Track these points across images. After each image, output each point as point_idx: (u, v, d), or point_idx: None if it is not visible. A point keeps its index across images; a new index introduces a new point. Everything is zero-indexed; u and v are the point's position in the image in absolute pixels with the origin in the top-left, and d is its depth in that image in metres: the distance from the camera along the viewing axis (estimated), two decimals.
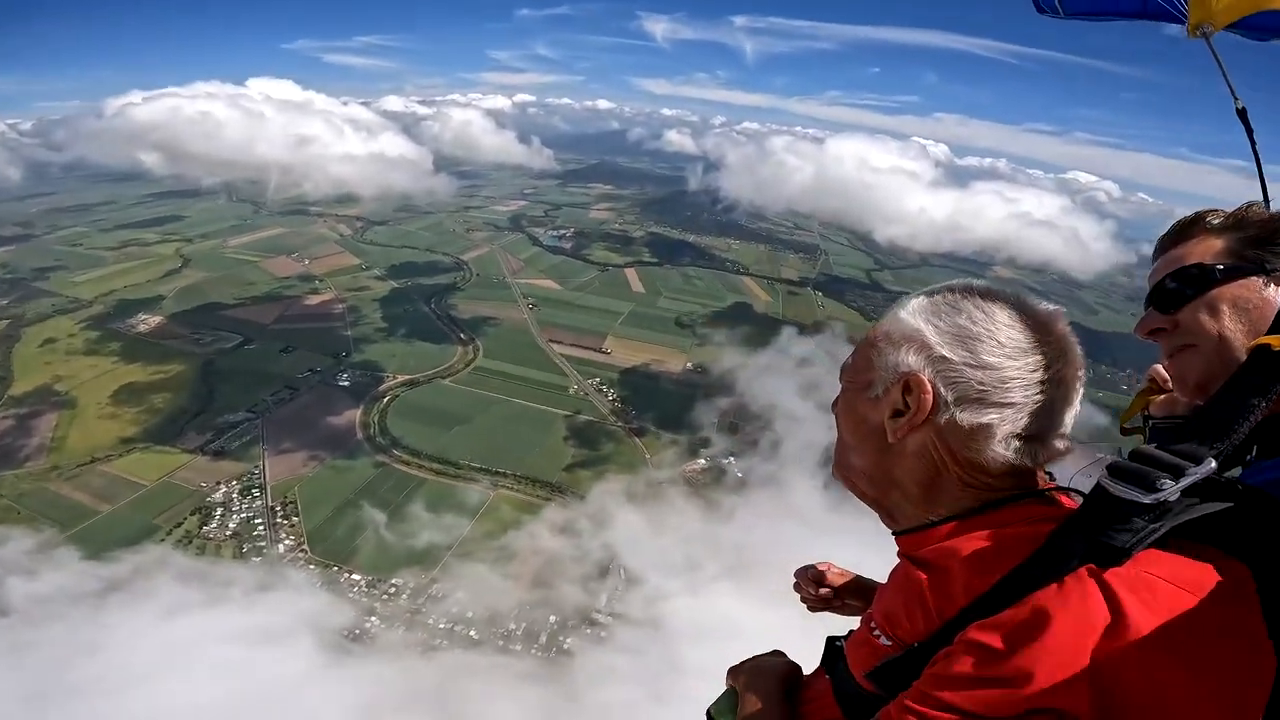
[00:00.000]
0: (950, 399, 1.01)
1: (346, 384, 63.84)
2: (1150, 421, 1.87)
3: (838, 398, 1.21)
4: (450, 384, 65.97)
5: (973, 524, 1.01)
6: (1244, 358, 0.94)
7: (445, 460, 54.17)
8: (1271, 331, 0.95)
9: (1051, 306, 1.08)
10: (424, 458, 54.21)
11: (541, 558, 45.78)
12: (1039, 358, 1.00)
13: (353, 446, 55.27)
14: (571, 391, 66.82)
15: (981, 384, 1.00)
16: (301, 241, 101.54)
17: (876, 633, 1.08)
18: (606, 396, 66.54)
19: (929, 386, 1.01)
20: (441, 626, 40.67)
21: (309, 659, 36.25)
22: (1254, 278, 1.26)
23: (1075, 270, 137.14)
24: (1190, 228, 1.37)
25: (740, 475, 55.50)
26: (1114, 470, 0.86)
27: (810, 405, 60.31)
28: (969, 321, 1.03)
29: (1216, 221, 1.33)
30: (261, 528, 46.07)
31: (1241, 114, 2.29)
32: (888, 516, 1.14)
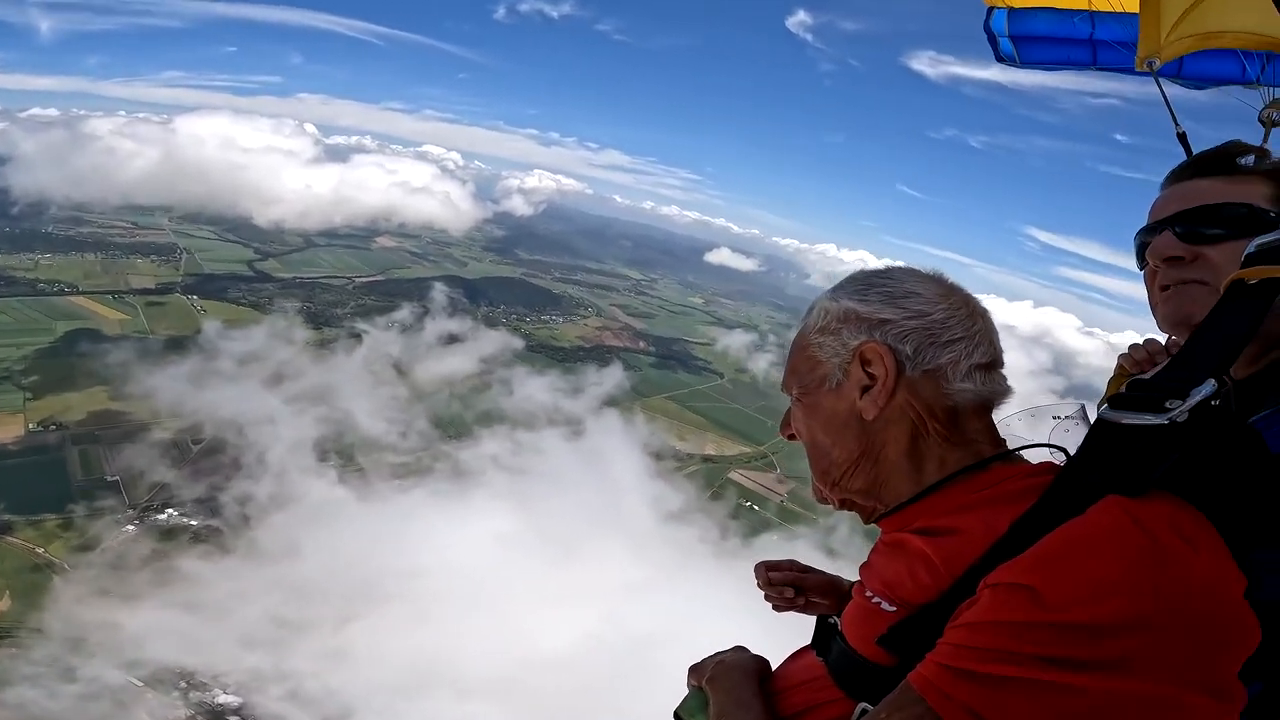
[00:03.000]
0: (909, 352, 1.04)
1: None
2: None
3: (789, 417, 1.20)
4: None
5: (965, 485, 1.00)
6: None
7: None
8: (1244, 266, 0.97)
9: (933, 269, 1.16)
10: None
11: None
12: (956, 298, 1.09)
13: None
14: None
15: (928, 330, 1.05)
16: None
17: (876, 600, 0.98)
18: None
19: (886, 349, 1.04)
20: None
21: None
22: None
23: (452, 228, 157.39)
24: (1223, 163, 1.28)
25: (238, 509, 44.80)
26: (1116, 401, 0.84)
27: (279, 400, 51.86)
28: (888, 288, 1.09)
29: (1255, 164, 1.26)
30: None
31: (1181, 138, 2.47)
32: (877, 501, 1.10)
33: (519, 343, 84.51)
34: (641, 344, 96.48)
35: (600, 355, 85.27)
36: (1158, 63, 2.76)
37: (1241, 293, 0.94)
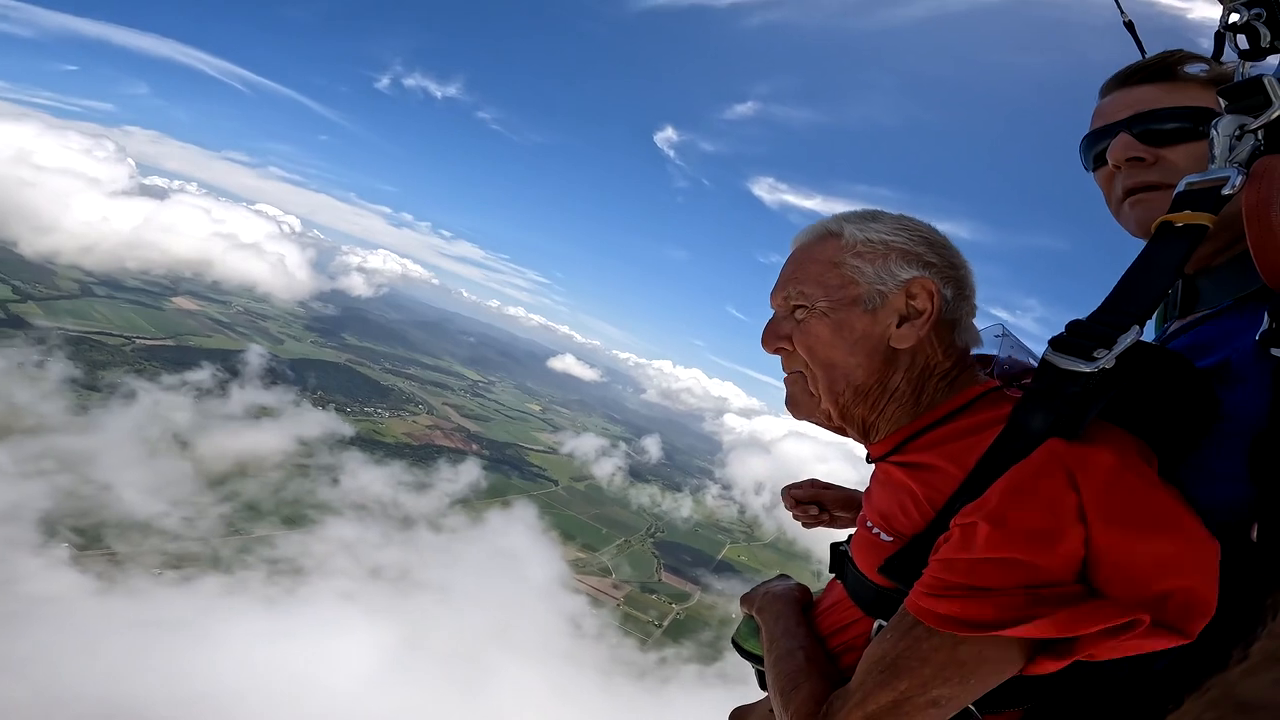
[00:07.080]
0: (949, 296, 1.13)
1: None
2: None
3: (781, 329, 1.20)
4: None
5: (950, 421, 1.09)
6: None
7: None
8: (1173, 210, 0.97)
9: None
10: None
11: None
12: (962, 257, 1.19)
13: None
14: None
15: (959, 281, 1.15)
16: None
17: (876, 531, 1.08)
18: None
19: (936, 288, 1.11)
20: None
21: None
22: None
23: (277, 296, 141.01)
24: (1167, 70, 1.20)
25: None
26: (1055, 343, 0.90)
27: None
28: (925, 235, 1.16)
29: (1198, 71, 1.19)
30: None
31: (1129, 26, 2.59)
32: (871, 430, 1.17)
33: (348, 429, 75.20)
34: (474, 447, 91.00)
35: (428, 455, 78.66)
36: None
37: (1169, 234, 0.94)
